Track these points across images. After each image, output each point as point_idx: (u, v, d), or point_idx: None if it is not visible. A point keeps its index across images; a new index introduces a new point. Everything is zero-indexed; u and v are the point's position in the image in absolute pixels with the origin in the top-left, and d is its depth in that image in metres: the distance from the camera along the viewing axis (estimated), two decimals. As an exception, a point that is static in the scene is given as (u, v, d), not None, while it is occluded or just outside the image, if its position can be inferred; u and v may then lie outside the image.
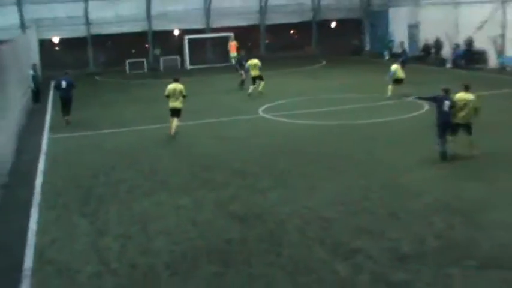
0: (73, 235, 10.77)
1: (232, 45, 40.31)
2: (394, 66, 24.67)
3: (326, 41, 43.97)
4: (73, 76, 23.72)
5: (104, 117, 23.30)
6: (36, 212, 12.16)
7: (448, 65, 34.11)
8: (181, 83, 19.03)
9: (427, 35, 37.17)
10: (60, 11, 38.12)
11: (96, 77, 37.25)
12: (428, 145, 14.95)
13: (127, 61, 39.14)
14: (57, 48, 40.37)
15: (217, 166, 15.05)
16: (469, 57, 33.08)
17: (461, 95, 14.55)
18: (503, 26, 31.22)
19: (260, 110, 22.57)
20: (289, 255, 9.37)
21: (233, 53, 40.13)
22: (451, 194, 11.91)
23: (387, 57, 39.05)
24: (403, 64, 26.59)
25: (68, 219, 11.65)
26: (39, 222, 11.48)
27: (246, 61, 28.04)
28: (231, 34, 40.75)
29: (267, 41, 43.77)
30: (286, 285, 8.40)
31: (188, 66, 39.90)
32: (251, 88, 26.24)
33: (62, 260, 9.66)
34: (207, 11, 41.42)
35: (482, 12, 31.80)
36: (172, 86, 18.82)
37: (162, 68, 39.48)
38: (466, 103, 14.40)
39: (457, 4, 34.39)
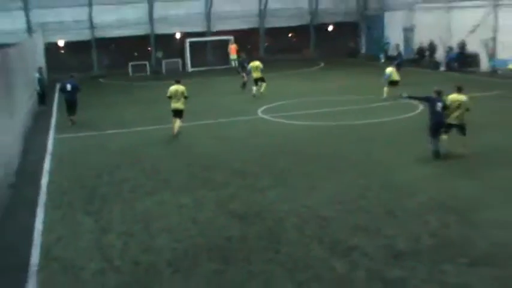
0: (78, 233, 10.75)
1: (232, 48, 40.39)
2: (389, 69, 24.68)
3: (323, 44, 43.99)
4: (78, 79, 23.71)
5: (108, 118, 23.28)
6: (42, 210, 12.15)
7: (442, 68, 34.14)
8: (182, 84, 19.03)
9: (421, 38, 37.23)
10: (66, 15, 38.12)
11: (100, 80, 37.22)
12: (423, 145, 14.95)
13: (130, 64, 39.13)
14: (62, 51, 40.33)
15: (217, 166, 15.03)
16: (462, 60, 33.15)
17: (454, 96, 14.61)
18: (495, 30, 31.30)
19: (259, 111, 22.55)
20: (287, 253, 9.35)
21: (233, 56, 40.20)
22: (445, 193, 11.91)
23: (383, 60, 39.07)
24: (399, 67, 26.62)
25: (72, 218, 11.63)
26: (45, 221, 11.46)
27: (248, 63, 28.04)
28: (231, 37, 40.81)
29: (266, 44, 43.75)
30: (285, 282, 8.38)
31: (189, 68, 39.88)
32: (254, 89, 26.25)
33: (67, 257, 9.65)
34: (208, 15, 41.40)
35: (474, 16, 31.88)
36: (174, 88, 18.83)
37: (164, 70, 39.44)
38: (459, 104, 14.43)
39: (450, 8, 34.42)
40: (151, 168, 15.10)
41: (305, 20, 43.86)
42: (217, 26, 41.37)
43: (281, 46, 43.89)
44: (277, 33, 43.57)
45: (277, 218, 10.97)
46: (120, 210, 11.94)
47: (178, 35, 41.45)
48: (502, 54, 30.93)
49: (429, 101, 14.82)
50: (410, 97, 16.67)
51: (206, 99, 25.82)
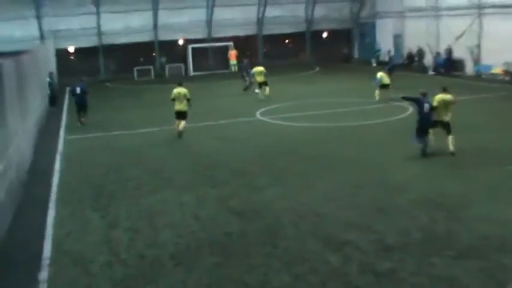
0: (86, 228, 10.77)
1: (232, 53, 40.40)
2: (380, 74, 24.73)
3: (319, 50, 44.03)
4: (86, 83, 23.69)
5: (114, 120, 23.28)
6: (53, 207, 12.15)
7: (430, 72, 34.17)
8: (184, 87, 19.01)
9: (410, 45, 37.26)
10: (75, 23, 38.10)
11: (107, 84, 37.19)
12: (413, 145, 14.94)
13: (135, 68, 39.09)
14: (72, 57, 40.31)
15: (218, 165, 15.03)
16: (449, 65, 33.22)
17: (440, 96, 14.82)
18: (480, 37, 31.34)
19: (258, 113, 22.54)
20: (285, 247, 9.36)
21: (233, 61, 40.22)
22: (434, 191, 11.91)
23: (374, 64, 39.13)
24: (391, 71, 26.64)
25: (81, 214, 11.64)
26: (55, 217, 11.47)
27: (251, 68, 28.10)
28: (231, 43, 40.79)
29: (264, 50, 43.73)
30: (282, 275, 8.38)
31: (191, 73, 39.88)
32: (260, 93, 26.29)
33: (76, 250, 9.67)
34: (209, 22, 41.37)
35: (460, 24, 31.94)
36: (177, 90, 18.85)
37: (167, 74, 39.43)
38: (446, 102, 14.59)
39: (438, 17, 34.47)
40: (155, 168, 15.10)
41: (301, 27, 43.85)
42: (218, 33, 41.33)
43: (279, 52, 43.83)
44: (274, 39, 43.55)
45: (275, 214, 10.97)
46: (125, 206, 11.94)
47: (181, 41, 41.41)
48: (486, 60, 31.03)
49: (418, 102, 14.95)
50: (404, 98, 16.66)
51: (207, 102, 25.80)
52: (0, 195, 10.73)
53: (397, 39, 39.35)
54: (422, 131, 14.61)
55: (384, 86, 24.21)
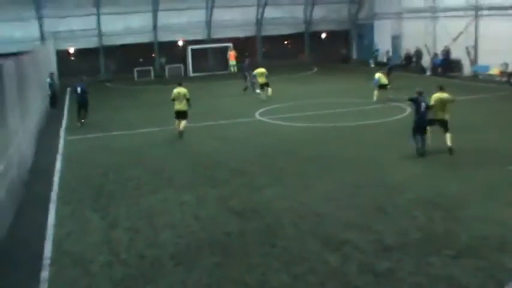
0: (86, 228, 10.73)
1: (231, 54, 40.35)
2: (378, 74, 24.70)
3: (317, 50, 43.98)
4: (86, 83, 23.65)
5: (114, 120, 23.23)
6: (54, 207, 12.12)
7: (428, 73, 34.18)
8: (184, 87, 18.98)
9: (408, 46, 37.28)
10: (76, 24, 38.05)
11: (107, 84, 37.13)
12: (410, 145, 14.92)
13: (135, 69, 39.02)
14: (72, 58, 40.24)
15: (218, 165, 15.00)
16: (446, 65, 33.22)
17: (438, 95, 14.94)
18: (476, 38, 31.35)
19: (257, 114, 22.51)
20: (284, 247, 9.33)
21: (232, 62, 40.19)
22: (433, 191, 11.89)
23: (372, 65, 39.07)
24: (390, 71, 26.63)
25: (81, 214, 11.60)
26: (56, 217, 11.44)
27: (253, 70, 28.09)
28: (230, 44, 40.74)
29: (263, 50, 43.70)
30: (281, 274, 8.35)
31: (191, 73, 39.81)
32: (262, 94, 26.25)
33: (76, 251, 9.63)
34: (208, 23, 41.33)
35: (457, 25, 32.01)
36: (176, 90, 18.83)
37: (167, 75, 39.36)
38: (443, 101, 14.63)
39: (435, 18, 34.47)
40: (155, 168, 15.06)
41: (300, 28, 43.82)
42: (217, 34, 41.29)
43: (278, 52, 43.79)
44: (274, 40, 43.51)
45: (275, 214, 10.95)
46: (125, 207, 11.91)
47: (180, 42, 41.36)
48: (482, 61, 31.03)
49: (415, 102, 14.94)
50: (409, 99, 16.50)
51: (207, 102, 25.77)
52: (1, 194, 10.69)
53: (395, 40, 39.34)
54: (419, 130, 14.64)
55: (382, 87, 24.19)
